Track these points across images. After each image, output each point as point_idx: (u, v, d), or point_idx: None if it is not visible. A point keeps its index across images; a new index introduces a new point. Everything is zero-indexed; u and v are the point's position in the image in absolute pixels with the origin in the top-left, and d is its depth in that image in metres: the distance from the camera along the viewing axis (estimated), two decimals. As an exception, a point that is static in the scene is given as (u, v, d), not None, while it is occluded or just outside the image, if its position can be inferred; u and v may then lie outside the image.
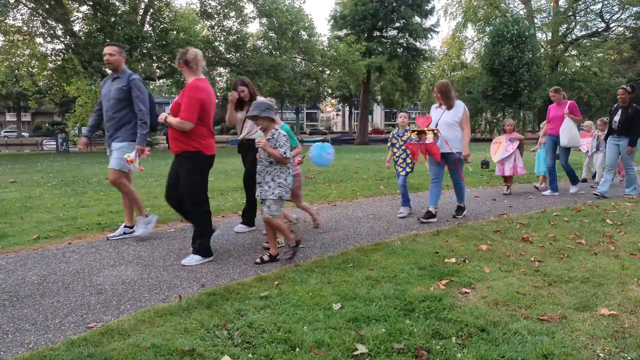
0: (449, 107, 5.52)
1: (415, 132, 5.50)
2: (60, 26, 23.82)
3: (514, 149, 7.66)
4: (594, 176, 9.25)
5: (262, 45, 29.55)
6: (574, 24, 36.38)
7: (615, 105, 7.27)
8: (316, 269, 3.62)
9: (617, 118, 7.11)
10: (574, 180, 7.74)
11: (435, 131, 5.37)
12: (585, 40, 36.39)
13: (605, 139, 7.48)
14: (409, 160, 5.93)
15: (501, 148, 7.84)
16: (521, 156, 7.80)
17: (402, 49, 39.50)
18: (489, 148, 8.44)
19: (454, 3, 38.53)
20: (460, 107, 5.51)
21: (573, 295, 3.04)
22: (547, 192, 7.64)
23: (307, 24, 28.83)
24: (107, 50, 4.66)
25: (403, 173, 5.96)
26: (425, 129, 5.40)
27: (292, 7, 28.59)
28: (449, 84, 5.60)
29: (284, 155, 3.78)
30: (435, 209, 5.63)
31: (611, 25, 35.63)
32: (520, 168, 7.69)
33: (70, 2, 25.02)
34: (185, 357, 2.27)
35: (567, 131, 7.18)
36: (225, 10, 28.35)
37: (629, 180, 7.33)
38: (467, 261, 3.79)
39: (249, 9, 29.19)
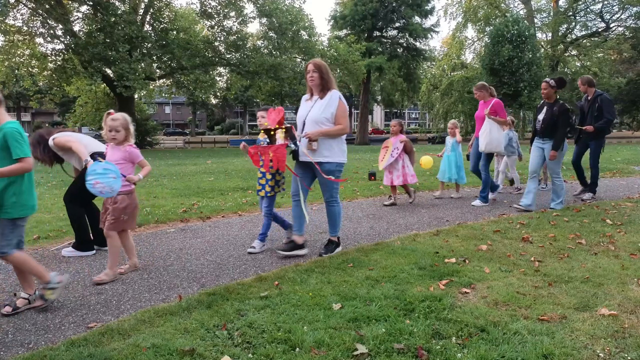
0: (321, 95, 4.01)
1: (264, 132, 4.13)
2: (60, 26, 23.80)
3: (400, 153, 6.55)
4: (512, 182, 8.14)
5: (262, 45, 29.55)
6: (574, 24, 36.36)
7: (542, 102, 6.29)
8: (316, 269, 3.62)
9: (541, 117, 6.08)
10: (492, 187, 6.95)
11: (287, 129, 3.98)
12: (585, 40, 36.36)
13: (531, 141, 6.42)
14: (269, 176, 4.20)
15: (388, 153, 6.66)
16: (412, 163, 6.72)
17: (402, 49, 39.54)
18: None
19: (454, 3, 38.48)
20: (334, 98, 3.95)
21: (573, 295, 3.04)
22: (477, 202, 6.70)
23: (307, 24, 28.84)
24: None
25: (262, 193, 4.29)
26: (276, 126, 3.99)
27: (292, 7, 28.60)
28: (325, 64, 4.11)
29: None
30: (301, 237, 4.17)
31: (611, 25, 35.61)
32: (411, 176, 6.59)
33: (70, 2, 25.03)
34: (185, 357, 2.27)
35: (487, 134, 6.36)
36: (225, 10, 28.35)
37: (554, 192, 6.18)
38: (467, 261, 3.79)
39: (249, 9, 29.17)
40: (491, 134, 6.36)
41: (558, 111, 5.86)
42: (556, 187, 6.16)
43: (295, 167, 4.16)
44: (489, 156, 6.70)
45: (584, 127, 6.74)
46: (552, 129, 5.93)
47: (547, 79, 6.01)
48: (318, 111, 3.95)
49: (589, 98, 6.86)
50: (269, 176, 4.21)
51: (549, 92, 5.97)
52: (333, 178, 3.98)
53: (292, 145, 4.02)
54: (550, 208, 6.11)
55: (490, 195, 6.87)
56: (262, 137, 4.31)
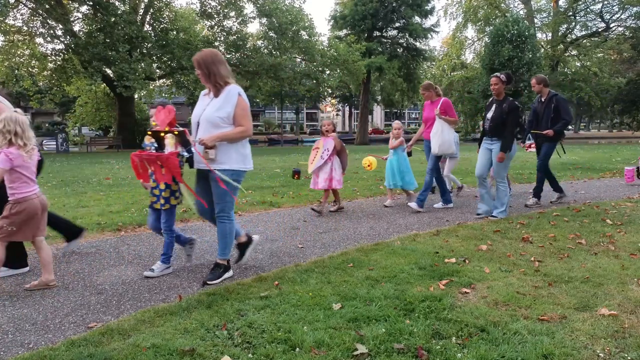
0: (215, 92, 3.40)
1: (151, 135, 3.63)
2: (60, 26, 23.81)
3: (330, 156, 6.00)
4: (460, 188, 7.70)
5: (262, 45, 29.55)
6: (574, 24, 36.37)
7: (490, 99, 5.82)
8: (316, 269, 3.62)
9: (490, 115, 5.62)
10: (443, 192, 6.48)
11: (176, 133, 3.45)
12: (585, 40, 36.37)
13: (479, 142, 5.95)
14: (163, 186, 3.55)
15: (318, 155, 6.11)
16: (344, 166, 6.18)
17: (402, 49, 39.54)
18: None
19: (454, 3, 38.52)
20: (232, 94, 3.34)
21: (573, 295, 3.04)
22: (439, 205, 6.41)
23: (307, 24, 28.83)
24: None
25: (157, 206, 3.63)
26: (166, 129, 3.50)
27: (292, 7, 28.60)
28: (216, 53, 3.43)
29: None
30: (225, 260, 3.53)
31: (611, 25, 35.62)
32: (337, 181, 6.03)
33: (70, 2, 25.03)
34: (185, 357, 2.27)
35: (439, 136, 5.97)
36: (225, 10, 28.36)
37: (498, 198, 5.65)
38: (467, 261, 3.79)
39: (249, 9, 29.19)
40: (443, 135, 5.98)
41: (508, 108, 5.43)
42: (500, 193, 5.63)
43: (196, 180, 3.60)
44: (439, 159, 6.30)
45: (543, 132, 6.18)
46: (502, 128, 5.47)
47: (497, 74, 5.55)
48: (212, 110, 3.34)
49: (542, 99, 6.37)
50: (162, 186, 3.55)
51: (499, 88, 5.52)
52: (227, 188, 3.37)
53: (185, 153, 3.46)
54: (492, 216, 5.60)
55: (444, 206, 6.36)
56: (148, 140, 3.66)
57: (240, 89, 3.42)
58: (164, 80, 31.69)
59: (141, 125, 31.15)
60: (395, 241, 4.49)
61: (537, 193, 6.52)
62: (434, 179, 6.28)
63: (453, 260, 3.80)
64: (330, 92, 50.43)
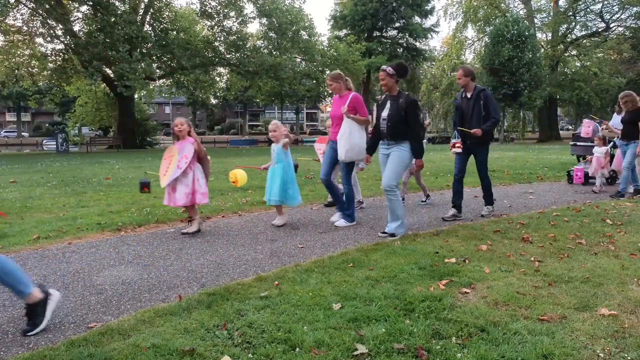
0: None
1: None
2: (60, 26, 23.84)
3: (190, 164, 4.89)
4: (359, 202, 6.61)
5: (262, 45, 29.58)
6: (574, 24, 36.38)
7: (383, 96, 4.98)
8: (316, 269, 3.62)
9: (385, 113, 4.73)
10: (342, 205, 5.52)
11: None
12: (585, 40, 36.38)
13: (370, 147, 5.15)
14: None
15: (173, 164, 4.91)
16: (207, 175, 5.11)
17: (402, 49, 39.59)
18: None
19: (454, 3, 38.55)
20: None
21: (573, 295, 3.04)
22: (336, 218, 5.51)
23: (307, 24, 28.87)
24: None
25: None
26: None
27: (292, 7, 28.64)
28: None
29: None
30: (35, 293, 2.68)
31: (611, 25, 35.63)
32: (202, 195, 4.95)
33: (70, 2, 25.04)
34: (185, 357, 2.27)
35: (346, 139, 5.00)
36: (225, 10, 28.38)
37: (391, 211, 4.78)
38: (467, 261, 3.79)
39: (249, 9, 29.22)
40: (352, 138, 5.01)
41: (405, 104, 4.60)
42: (393, 205, 4.71)
43: None
44: (350, 166, 5.37)
45: (471, 131, 5.39)
46: (402, 128, 4.63)
47: (384, 67, 4.73)
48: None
49: (468, 95, 5.56)
50: None
51: (388, 82, 4.70)
52: None
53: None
54: (382, 234, 4.74)
55: (339, 219, 5.45)
56: None
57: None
58: (164, 80, 31.72)
59: (141, 125, 31.18)
60: (395, 241, 4.49)
61: (489, 200, 5.90)
62: (334, 187, 5.53)
63: (453, 260, 3.80)
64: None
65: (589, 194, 7.48)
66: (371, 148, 5.08)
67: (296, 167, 5.48)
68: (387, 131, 4.70)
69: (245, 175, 5.71)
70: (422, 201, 6.87)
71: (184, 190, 4.88)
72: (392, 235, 4.68)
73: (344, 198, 5.43)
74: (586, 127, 8.53)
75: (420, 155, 4.73)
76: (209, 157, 5.14)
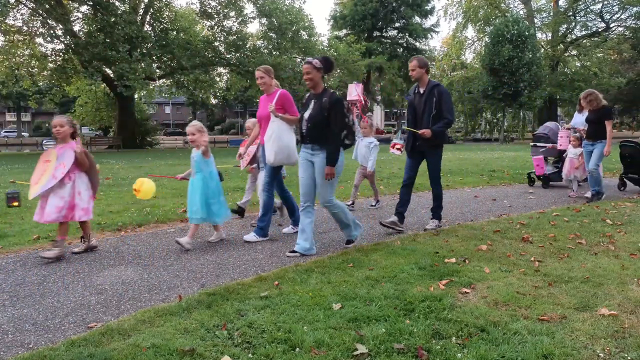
0: None
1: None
2: (60, 26, 23.83)
3: (69, 174, 4.10)
4: (241, 210, 5.99)
5: (262, 45, 29.57)
6: (574, 24, 36.41)
7: (307, 94, 4.40)
8: (316, 269, 3.62)
9: (307, 114, 4.18)
10: (292, 211, 5.15)
11: None
12: (585, 40, 36.41)
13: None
14: None
15: (48, 172, 4.10)
16: (94, 187, 4.33)
17: (402, 49, 39.60)
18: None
19: (454, 3, 38.59)
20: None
21: (573, 295, 3.04)
22: (288, 229, 5.10)
23: (307, 24, 28.87)
24: None
25: None
26: None
27: (292, 7, 28.64)
28: None
29: None
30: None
31: (611, 25, 35.67)
32: (83, 210, 4.17)
33: (70, 2, 25.04)
34: (185, 357, 2.27)
35: (274, 140, 4.46)
36: (225, 10, 28.39)
37: (301, 231, 4.21)
38: (467, 261, 3.79)
39: (249, 9, 29.23)
40: (281, 140, 4.44)
41: (329, 103, 4.02)
42: (338, 216, 4.27)
43: None
44: (277, 170, 4.80)
45: (419, 132, 4.82)
46: (324, 131, 4.08)
47: (310, 59, 4.16)
48: None
49: (421, 90, 4.96)
50: None
51: (314, 77, 4.09)
52: None
53: None
54: (291, 254, 4.15)
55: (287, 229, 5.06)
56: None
57: None
58: (164, 80, 31.72)
59: (141, 125, 31.17)
60: (395, 241, 4.49)
61: (437, 213, 5.19)
62: (274, 196, 4.92)
63: (453, 260, 3.80)
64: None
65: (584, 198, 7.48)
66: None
67: (221, 176, 4.76)
68: (308, 133, 4.17)
69: (153, 187, 4.63)
70: (372, 205, 6.57)
71: (56, 204, 4.06)
72: (351, 241, 4.38)
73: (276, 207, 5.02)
74: (562, 138, 7.96)
75: (332, 163, 4.02)
76: (98, 167, 4.44)
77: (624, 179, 7.95)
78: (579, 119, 7.56)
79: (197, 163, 4.52)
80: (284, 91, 4.78)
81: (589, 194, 6.97)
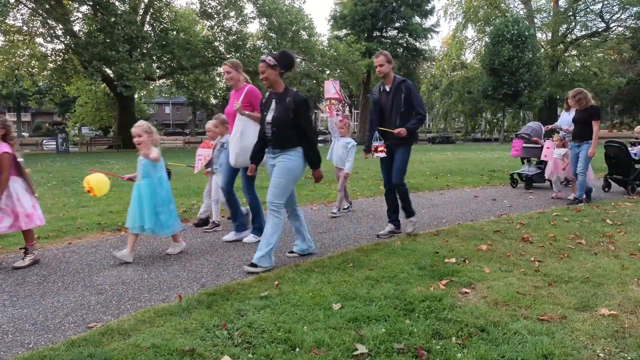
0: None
1: None
2: (60, 26, 23.84)
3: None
4: (206, 221, 5.54)
5: (262, 45, 29.57)
6: (574, 24, 36.40)
7: (267, 94, 4.01)
8: (316, 269, 3.62)
9: (270, 116, 3.83)
10: (240, 221, 4.83)
11: None
12: (585, 40, 36.40)
13: (253, 155, 4.12)
14: None
15: None
16: (31, 190, 4.02)
17: (402, 49, 39.56)
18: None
19: (454, 3, 38.56)
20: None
21: (573, 295, 3.04)
22: (231, 237, 4.74)
23: (307, 24, 28.86)
24: None
25: None
26: None
27: (292, 7, 28.63)
28: None
29: None
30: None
31: (611, 25, 35.65)
32: (26, 216, 3.89)
33: (70, 2, 25.05)
34: (185, 357, 2.27)
35: (237, 140, 4.29)
36: (225, 10, 28.40)
37: (265, 235, 3.80)
38: (467, 261, 3.79)
39: (249, 9, 29.24)
40: (244, 140, 4.26)
41: (294, 103, 3.73)
42: (272, 226, 3.78)
43: None
44: (235, 171, 4.62)
45: (394, 131, 4.54)
46: (290, 133, 3.76)
47: (264, 57, 3.84)
48: None
49: (387, 88, 4.76)
50: None
51: (269, 76, 3.76)
52: None
53: None
54: (291, 254, 4.11)
55: (247, 237, 4.70)
56: None
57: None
58: (164, 80, 31.72)
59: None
60: (395, 241, 4.49)
61: (409, 212, 4.87)
62: (233, 201, 4.74)
63: (453, 260, 3.80)
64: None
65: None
66: (256, 156, 4.02)
67: (169, 173, 4.34)
68: (273, 137, 3.81)
69: (102, 179, 4.17)
70: (344, 208, 6.24)
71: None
72: (254, 265, 3.68)
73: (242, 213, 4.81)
74: (549, 149, 7.52)
75: (317, 165, 3.85)
76: (27, 170, 4.13)
77: (609, 180, 7.83)
78: (566, 118, 7.40)
79: (144, 167, 4.04)
80: (251, 87, 4.49)
81: (572, 196, 6.79)
